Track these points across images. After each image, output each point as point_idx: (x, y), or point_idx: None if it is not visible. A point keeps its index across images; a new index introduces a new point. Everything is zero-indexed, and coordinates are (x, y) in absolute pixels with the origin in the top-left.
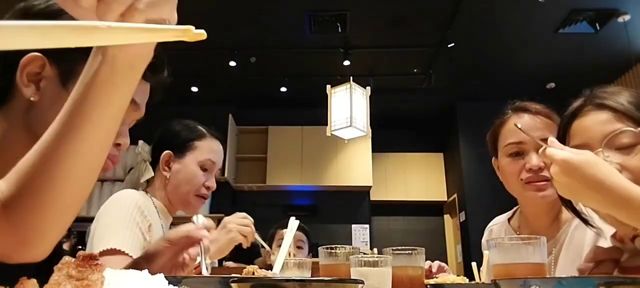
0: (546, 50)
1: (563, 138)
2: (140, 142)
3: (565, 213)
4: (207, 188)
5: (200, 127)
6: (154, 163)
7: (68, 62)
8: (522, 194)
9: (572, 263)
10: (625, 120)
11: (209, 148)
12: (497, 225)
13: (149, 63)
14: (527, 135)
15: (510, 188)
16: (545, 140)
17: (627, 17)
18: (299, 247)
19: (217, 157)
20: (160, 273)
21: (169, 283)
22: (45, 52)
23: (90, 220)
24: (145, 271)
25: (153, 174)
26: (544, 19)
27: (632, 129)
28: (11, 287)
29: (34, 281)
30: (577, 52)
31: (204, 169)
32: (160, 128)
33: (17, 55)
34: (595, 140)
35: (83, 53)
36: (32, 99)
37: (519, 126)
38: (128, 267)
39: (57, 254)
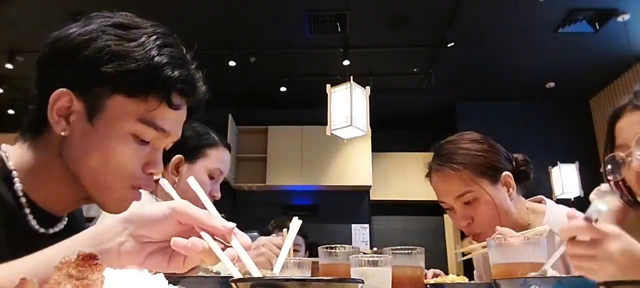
0: (546, 50)
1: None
2: None
3: (533, 220)
4: (212, 197)
5: (212, 134)
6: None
7: (94, 97)
8: None
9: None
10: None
11: (219, 158)
12: None
13: (180, 89)
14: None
15: None
16: (461, 195)
17: (626, 17)
18: (295, 251)
19: (225, 167)
20: None
21: (168, 283)
22: (71, 87)
23: (88, 220)
24: (146, 271)
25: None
26: (544, 19)
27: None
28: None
29: (34, 282)
30: (577, 52)
31: (211, 177)
32: None
33: (49, 90)
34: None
35: (107, 87)
36: (62, 133)
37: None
38: None
39: None
